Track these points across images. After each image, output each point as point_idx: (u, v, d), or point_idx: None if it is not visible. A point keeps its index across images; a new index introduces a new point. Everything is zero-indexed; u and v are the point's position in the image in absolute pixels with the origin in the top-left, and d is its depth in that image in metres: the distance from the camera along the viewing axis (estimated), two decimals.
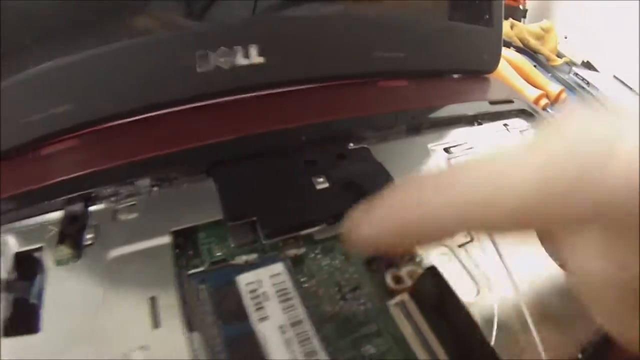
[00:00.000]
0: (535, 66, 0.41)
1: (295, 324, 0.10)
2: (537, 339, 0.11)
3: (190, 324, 0.10)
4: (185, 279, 0.11)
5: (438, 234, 0.09)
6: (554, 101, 0.33)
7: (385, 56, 0.20)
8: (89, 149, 0.15)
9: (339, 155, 0.15)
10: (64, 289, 0.11)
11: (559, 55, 0.48)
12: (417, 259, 0.13)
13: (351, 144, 0.16)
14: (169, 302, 0.10)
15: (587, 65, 0.49)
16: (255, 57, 0.16)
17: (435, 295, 0.11)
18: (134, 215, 0.13)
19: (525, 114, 0.22)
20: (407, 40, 0.21)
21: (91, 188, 0.13)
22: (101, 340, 0.10)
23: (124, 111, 0.16)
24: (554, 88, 0.33)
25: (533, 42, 0.43)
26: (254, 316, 0.10)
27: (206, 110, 0.17)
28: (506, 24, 0.45)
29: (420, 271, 0.12)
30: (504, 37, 0.33)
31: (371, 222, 0.09)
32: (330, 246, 0.13)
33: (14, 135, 0.14)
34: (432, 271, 0.11)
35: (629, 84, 0.45)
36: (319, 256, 0.13)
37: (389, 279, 0.12)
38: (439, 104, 0.20)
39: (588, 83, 0.41)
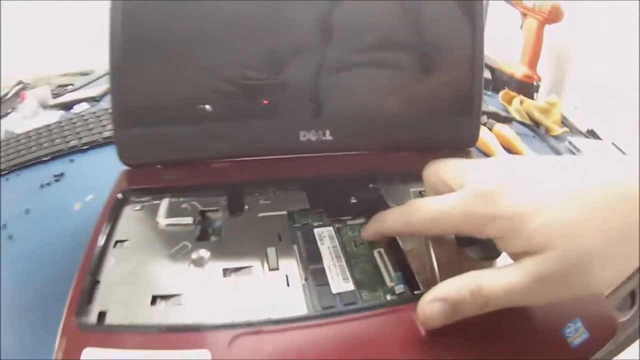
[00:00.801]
0: (533, 136, 0.55)
1: (334, 247, 0.28)
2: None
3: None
4: (292, 229, 0.29)
5: (404, 233, 0.26)
6: None
7: (398, 138, 0.37)
8: (241, 169, 0.34)
9: (363, 189, 0.33)
10: (232, 224, 0.29)
11: (567, 125, 0.61)
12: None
13: (370, 185, 0.34)
14: (287, 241, 0.28)
15: (592, 134, 0.62)
16: (327, 137, 0.35)
17: (393, 246, 0.27)
18: (268, 202, 0.31)
19: None
20: (414, 129, 0.38)
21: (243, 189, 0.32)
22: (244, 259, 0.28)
23: (262, 153, 0.35)
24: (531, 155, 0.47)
25: (537, 115, 0.57)
26: (318, 244, 0.28)
27: (301, 159, 0.35)
28: (517, 100, 0.60)
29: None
30: (513, 112, 0.49)
31: (377, 225, 0.27)
32: (352, 227, 0.30)
33: (201, 154, 0.34)
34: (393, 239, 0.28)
35: (624, 150, 0.57)
36: (346, 229, 0.30)
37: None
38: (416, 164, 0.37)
39: (578, 150, 0.54)
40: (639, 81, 0.53)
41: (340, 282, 0.25)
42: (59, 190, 0.49)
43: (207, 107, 0.34)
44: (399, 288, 0.25)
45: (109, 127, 0.57)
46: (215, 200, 0.31)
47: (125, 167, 0.36)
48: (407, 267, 0.26)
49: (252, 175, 0.33)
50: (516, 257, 0.21)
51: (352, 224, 0.30)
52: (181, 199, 0.32)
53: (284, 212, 0.30)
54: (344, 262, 0.26)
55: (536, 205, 0.20)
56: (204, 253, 0.27)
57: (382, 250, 0.28)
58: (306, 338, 0.21)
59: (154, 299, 0.24)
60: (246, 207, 0.31)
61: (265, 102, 0.35)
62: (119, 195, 0.33)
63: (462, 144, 0.39)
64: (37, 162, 0.54)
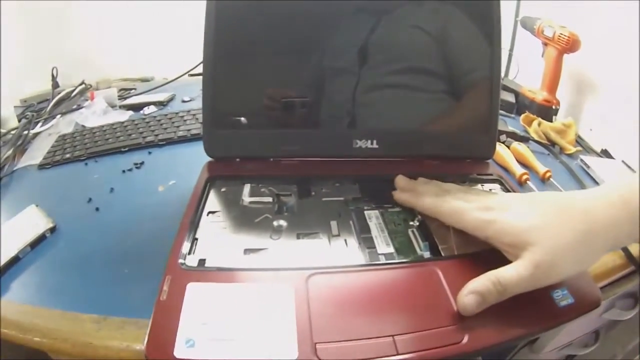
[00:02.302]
0: (548, 154, 0.65)
1: (379, 224, 0.38)
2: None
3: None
4: (348, 210, 0.40)
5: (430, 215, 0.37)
6: (542, 178, 0.57)
7: (429, 148, 0.48)
8: (306, 166, 0.45)
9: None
10: (302, 205, 0.40)
11: (581, 145, 0.70)
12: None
13: None
14: (344, 218, 0.39)
15: (605, 153, 0.70)
16: (374, 145, 0.45)
17: (423, 226, 0.38)
18: (329, 191, 0.42)
19: (496, 181, 0.48)
20: (441, 141, 0.48)
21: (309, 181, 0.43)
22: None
23: (323, 155, 0.46)
24: (542, 169, 0.57)
25: (553, 135, 0.67)
26: (368, 221, 0.38)
27: (354, 161, 0.46)
28: (536, 122, 0.70)
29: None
30: (532, 133, 0.59)
31: (411, 200, 0.39)
32: (391, 213, 0.40)
33: (274, 153, 0.45)
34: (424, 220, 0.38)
35: (633, 167, 0.65)
36: (387, 214, 0.40)
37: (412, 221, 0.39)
38: (452, 171, 0.47)
39: (588, 166, 0.63)
40: None
41: (383, 246, 0.36)
42: (140, 175, 0.60)
43: (280, 114, 0.46)
44: (426, 253, 0.35)
45: (182, 128, 0.69)
46: (287, 187, 0.43)
47: (208, 159, 0.48)
48: (433, 240, 0.36)
49: (316, 171, 0.45)
50: (509, 253, 0.32)
51: (392, 211, 0.41)
52: (259, 185, 0.43)
53: (342, 198, 0.42)
54: (386, 234, 0.37)
55: (524, 217, 0.33)
56: (283, 222, 0.38)
57: (414, 229, 0.38)
58: (360, 278, 0.32)
59: (245, 251, 0.35)
60: (312, 193, 0.42)
61: (326, 115, 0.47)
62: (207, 179, 0.44)
63: (480, 156, 0.50)
64: (115, 151, 0.66)
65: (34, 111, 0.89)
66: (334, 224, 0.38)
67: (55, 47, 1.03)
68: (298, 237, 0.37)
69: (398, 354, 0.27)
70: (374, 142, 0.46)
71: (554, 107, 0.73)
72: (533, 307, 0.32)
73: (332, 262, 0.34)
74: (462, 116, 0.49)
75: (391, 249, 0.35)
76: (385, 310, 0.30)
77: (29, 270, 0.44)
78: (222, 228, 0.38)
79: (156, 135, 0.68)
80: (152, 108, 0.83)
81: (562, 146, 0.67)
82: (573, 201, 0.34)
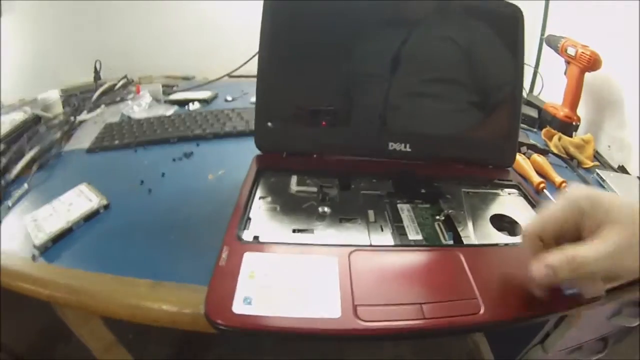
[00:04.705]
0: (565, 167, 0.71)
1: (410, 215, 0.45)
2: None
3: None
4: (384, 202, 0.47)
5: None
6: (557, 187, 0.63)
7: (455, 153, 0.55)
8: (347, 163, 0.53)
9: (429, 185, 0.51)
10: (343, 196, 0.48)
11: (599, 160, 0.76)
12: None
13: (435, 183, 0.51)
14: (380, 208, 0.46)
15: (622, 169, 0.76)
16: (407, 148, 0.53)
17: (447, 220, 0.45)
18: (367, 185, 0.50)
19: (515, 187, 0.54)
20: (467, 148, 0.55)
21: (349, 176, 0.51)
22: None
23: (361, 155, 0.54)
24: (558, 179, 0.63)
25: (572, 150, 0.73)
26: (400, 212, 0.46)
27: (387, 162, 0.53)
28: (556, 137, 0.76)
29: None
30: (552, 146, 0.66)
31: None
32: (421, 208, 0.48)
33: (318, 150, 0.53)
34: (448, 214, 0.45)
35: None
36: (417, 208, 0.47)
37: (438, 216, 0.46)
38: (475, 175, 0.54)
39: (604, 180, 0.69)
40: None
41: (414, 234, 0.43)
42: (190, 164, 0.67)
43: (322, 115, 0.54)
44: (449, 242, 0.42)
45: (228, 124, 0.78)
46: (330, 180, 0.51)
47: (257, 153, 0.55)
48: (456, 231, 0.44)
49: (355, 167, 0.52)
50: (594, 233, 0.32)
51: (421, 206, 0.48)
52: (305, 177, 0.50)
53: (378, 192, 0.50)
54: (416, 224, 0.44)
55: (610, 197, 0.33)
56: (327, 209, 0.45)
57: (440, 222, 0.45)
58: (394, 257, 0.40)
59: (294, 230, 0.42)
60: (352, 186, 0.50)
61: (363, 119, 0.54)
62: (258, 169, 0.52)
63: (502, 164, 0.58)
64: (164, 141, 0.73)
65: (79, 100, 0.98)
66: (370, 212, 0.45)
67: (99, 41, 1.12)
68: (340, 222, 0.44)
69: (425, 318, 0.34)
70: (407, 145, 0.53)
71: (574, 123, 0.79)
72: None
73: (370, 242, 0.41)
74: (487, 126, 0.56)
75: (420, 237, 0.43)
76: (415, 283, 0.37)
77: (83, 242, 0.49)
78: (273, 211, 0.46)
79: (203, 129, 0.76)
80: (197, 105, 0.92)
81: (580, 160, 0.73)
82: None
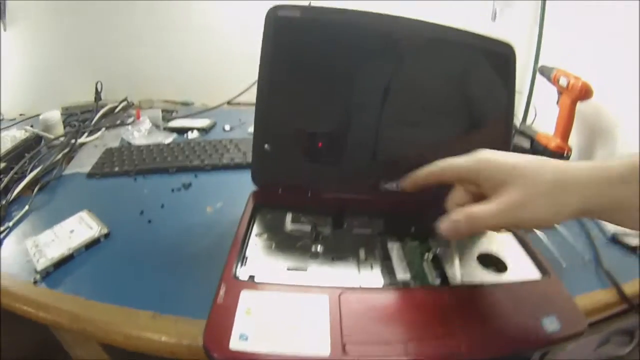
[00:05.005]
0: None
1: (399, 254, 0.48)
2: None
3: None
4: (374, 241, 0.50)
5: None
6: None
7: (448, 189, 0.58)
8: (341, 200, 0.55)
9: (418, 222, 0.53)
10: (336, 235, 0.50)
11: None
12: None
13: (424, 220, 0.54)
14: (370, 247, 0.49)
15: None
16: (397, 188, 0.56)
17: (435, 259, 0.48)
18: (359, 224, 0.52)
19: None
20: None
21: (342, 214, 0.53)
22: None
23: (353, 192, 0.56)
24: None
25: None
26: (389, 251, 0.48)
27: (381, 199, 0.56)
28: None
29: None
30: None
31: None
32: (410, 246, 0.50)
33: (313, 187, 0.55)
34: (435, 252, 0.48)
35: None
36: (407, 246, 0.50)
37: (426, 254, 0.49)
38: None
39: None
40: None
41: (402, 273, 0.45)
42: (189, 195, 0.70)
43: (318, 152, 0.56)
44: (437, 280, 0.45)
45: (226, 156, 0.81)
46: (323, 218, 0.53)
47: (253, 187, 0.58)
48: (442, 269, 0.46)
49: (348, 204, 0.55)
50: (495, 191, 0.37)
51: (412, 244, 0.51)
52: (300, 214, 0.53)
53: (369, 231, 0.52)
54: (405, 263, 0.47)
55: (505, 158, 0.38)
56: (320, 248, 0.48)
57: (429, 259, 0.48)
58: (383, 297, 0.42)
59: (288, 269, 0.45)
60: (345, 225, 0.52)
61: (357, 155, 0.57)
62: (254, 205, 0.54)
63: None
64: (163, 171, 0.77)
65: (79, 121, 1.02)
66: (362, 251, 0.48)
67: (101, 62, 1.16)
68: (332, 260, 0.47)
69: (408, 356, 0.36)
70: (397, 185, 0.56)
71: (565, 154, 0.82)
72: (522, 329, 0.40)
73: (360, 283, 0.44)
74: None
75: (408, 276, 0.45)
76: (400, 322, 0.39)
77: (83, 269, 0.52)
78: (268, 248, 0.48)
79: (202, 160, 0.79)
80: (195, 133, 0.95)
81: None
82: (555, 161, 0.38)
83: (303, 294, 0.41)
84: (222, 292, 0.40)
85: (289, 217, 0.53)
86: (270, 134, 0.56)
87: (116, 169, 0.77)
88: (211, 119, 1.02)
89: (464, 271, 0.46)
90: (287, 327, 0.37)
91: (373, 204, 0.56)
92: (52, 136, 0.91)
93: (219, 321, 0.37)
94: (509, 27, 1.00)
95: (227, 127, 1.00)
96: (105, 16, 1.11)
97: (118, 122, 1.02)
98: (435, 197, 0.57)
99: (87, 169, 0.78)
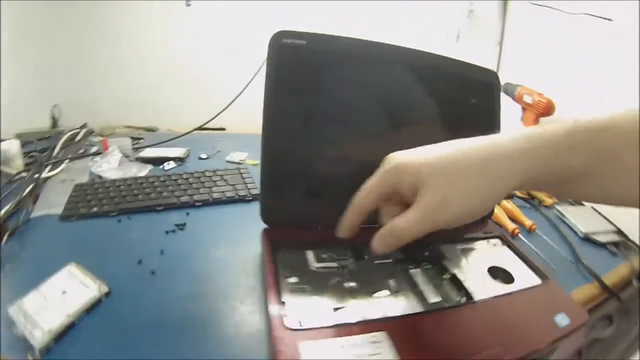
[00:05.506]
0: (530, 207, 0.83)
1: (424, 279, 0.53)
2: None
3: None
4: (397, 270, 0.54)
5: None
6: (528, 229, 0.74)
7: None
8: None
9: (430, 248, 0.58)
10: (360, 267, 0.54)
11: (551, 198, 0.89)
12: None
13: (432, 245, 0.59)
14: (397, 277, 0.53)
15: (576, 201, 0.90)
16: None
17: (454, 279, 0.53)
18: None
19: (499, 237, 0.64)
20: None
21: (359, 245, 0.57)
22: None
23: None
24: (528, 222, 0.74)
25: (532, 190, 0.85)
26: (414, 278, 0.53)
27: None
28: None
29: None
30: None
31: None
32: (426, 269, 0.55)
33: (324, 222, 0.57)
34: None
35: (601, 212, 0.84)
36: (424, 270, 0.55)
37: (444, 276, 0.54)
38: (462, 231, 0.63)
39: (564, 215, 0.81)
40: None
41: (433, 296, 0.50)
42: (186, 237, 0.65)
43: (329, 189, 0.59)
44: (463, 299, 0.50)
45: (215, 189, 0.80)
46: (343, 252, 0.56)
47: (251, 219, 0.57)
48: (464, 288, 0.51)
49: (361, 237, 0.57)
50: (414, 197, 0.37)
51: (427, 268, 0.55)
52: (319, 251, 0.55)
53: (390, 260, 0.56)
54: (431, 286, 0.51)
55: (412, 159, 0.38)
56: (353, 283, 0.51)
57: (448, 280, 0.53)
58: (427, 322, 0.46)
59: (334, 309, 0.46)
60: (365, 257, 0.55)
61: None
62: (272, 247, 0.54)
63: (483, 217, 0.66)
64: (149, 209, 0.72)
65: (37, 151, 0.92)
66: (391, 282, 0.52)
67: (51, 83, 1.07)
68: (370, 295, 0.49)
69: None
70: None
71: None
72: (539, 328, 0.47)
73: (401, 312, 0.47)
74: None
75: (439, 298, 0.50)
76: (452, 341, 0.44)
77: (89, 337, 0.45)
78: (302, 291, 0.48)
79: (190, 195, 0.76)
80: (172, 164, 0.93)
81: (539, 199, 0.85)
82: (472, 139, 0.38)
83: (361, 336, 0.42)
84: (280, 347, 0.39)
85: (310, 255, 0.55)
86: (279, 170, 0.57)
87: (94, 209, 0.70)
88: (184, 148, 0.99)
89: (480, 286, 0.52)
90: None
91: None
92: (13, 170, 0.81)
93: None
94: (471, 48, 1.09)
95: (203, 156, 0.98)
96: (58, 37, 1.05)
97: (81, 151, 0.95)
98: None
99: (58, 209, 0.70)
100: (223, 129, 1.10)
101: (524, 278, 0.56)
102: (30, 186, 0.75)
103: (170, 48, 1.11)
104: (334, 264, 0.54)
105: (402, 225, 0.37)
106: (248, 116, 0.95)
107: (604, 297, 0.64)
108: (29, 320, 0.46)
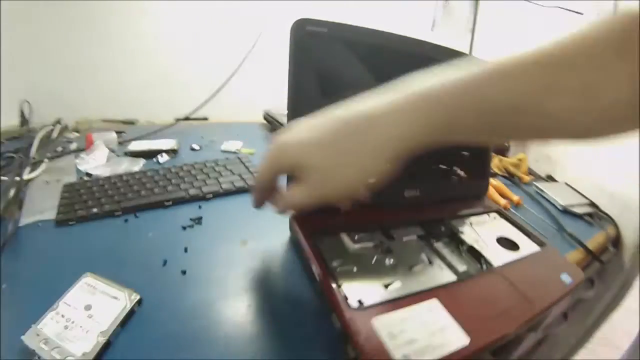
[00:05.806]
0: (511, 184, 0.93)
1: (448, 251, 0.59)
2: None
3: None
4: (423, 245, 0.60)
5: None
6: (516, 204, 0.84)
7: (453, 194, 0.70)
8: (376, 212, 0.64)
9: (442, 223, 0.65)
10: (393, 245, 0.60)
11: (532, 173, 1.00)
12: None
13: (445, 221, 0.66)
14: (425, 250, 0.59)
15: (550, 178, 1.01)
16: (417, 193, 0.67)
17: (472, 249, 0.60)
18: (403, 232, 0.62)
19: (497, 212, 0.72)
20: (461, 189, 0.72)
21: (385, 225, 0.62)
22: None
23: (383, 203, 0.65)
24: (515, 197, 0.84)
25: (512, 169, 0.96)
26: (439, 250, 0.59)
27: (402, 210, 0.66)
28: (496, 159, 0.98)
29: None
30: (493, 168, 0.87)
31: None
32: (443, 241, 0.62)
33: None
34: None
35: (576, 188, 0.96)
36: (443, 244, 0.62)
37: (462, 247, 0.61)
38: (467, 209, 0.71)
39: (542, 190, 0.92)
40: None
41: (460, 266, 0.57)
42: (205, 231, 0.63)
43: None
44: (484, 266, 0.58)
45: (222, 180, 0.80)
46: (373, 233, 0.61)
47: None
48: (484, 257, 0.59)
49: (383, 217, 0.64)
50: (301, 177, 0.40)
51: (446, 242, 0.63)
52: (352, 234, 0.60)
53: (414, 237, 0.62)
54: (455, 257, 0.59)
55: (296, 138, 0.40)
56: (392, 260, 0.56)
57: (465, 252, 0.60)
58: (465, 288, 0.52)
59: (385, 286, 0.51)
60: (394, 236, 0.61)
61: None
62: (308, 234, 0.57)
63: (480, 194, 0.76)
64: (156, 206, 0.69)
65: (11, 151, 0.86)
66: (423, 255, 0.58)
67: (19, 79, 0.99)
68: (410, 269, 0.55)
69: (510, 327, 0.47)
70: (418, 190, 0.67)
71: (506, 145, 1.03)
72: (553, 286, 0.56)
73: (440, 281, 0.53)
74: (471, 172, 0.74)
75: (466, 267, 0.57)
76: (489, 303, 0.51)
77: (129, 354, 0.42)
78: (351, 272, 0.52)
79: (198, 188, 0.75)
80: (166, 157, 0.91)
81: (519, 177, 0.96)
82: (353, 107, 0.39)
83: (419, 304, 0.47)
84: (356, 327, 0.42)
85: (345, 238, 0.59)
86: None
87: (94, 210, 0.65)
88: (173, 139, 0.97)
89: (496, 254, 0.60)
90: (428, 335, 0.43)
91: (399, 214, 0.66)
92: None
93: (374, 353, 0.39)
94: (446, 36, 1.17)
95: (195, 147, 0.98)
96: (23, 29, 0.97)
97: (59, 149, 0.90)
98: (450, 198, 0.71)
99: (50, 214, 0.64)
100: (206, 119, 1.10)
101: (526, 246, 0.65)
102: (13, 190, 0.67)
103: (143, 38, 1.07)
104: (370, 244, 0.59)
105: (294, 200, 0.42)
106: (229, 106, 0.96)
107: (587, 261, 0.75)
108: (53, 346, 0.40)
